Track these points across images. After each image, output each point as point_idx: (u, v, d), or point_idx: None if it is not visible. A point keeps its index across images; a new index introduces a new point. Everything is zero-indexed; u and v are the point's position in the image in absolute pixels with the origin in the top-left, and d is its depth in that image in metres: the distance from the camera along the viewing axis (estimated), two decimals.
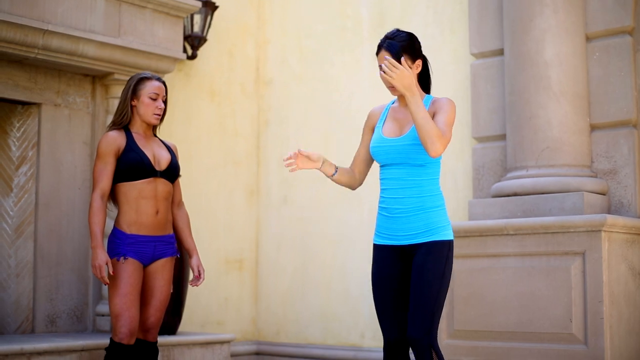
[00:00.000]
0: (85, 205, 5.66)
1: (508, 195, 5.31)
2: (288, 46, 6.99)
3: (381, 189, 3.74)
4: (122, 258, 4.30)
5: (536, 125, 5.24)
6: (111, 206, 4.51)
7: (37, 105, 5.59)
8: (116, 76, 5.70)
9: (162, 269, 4.45)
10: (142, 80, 4.45)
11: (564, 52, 5.25)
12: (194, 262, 4.55)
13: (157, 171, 4.41)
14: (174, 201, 4.58)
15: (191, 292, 6.16)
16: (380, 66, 3.63)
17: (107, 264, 4.22)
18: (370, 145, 3.77)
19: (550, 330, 4.87)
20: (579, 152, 5.25)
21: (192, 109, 6.60)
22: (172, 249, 4.49)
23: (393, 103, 3.83)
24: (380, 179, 3.75)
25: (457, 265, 5.03)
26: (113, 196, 4.43)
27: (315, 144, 6.72)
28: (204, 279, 4.54)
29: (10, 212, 5.54)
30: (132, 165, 4.34)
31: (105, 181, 4.33)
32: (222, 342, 5.74)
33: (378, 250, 3.74)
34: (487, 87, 5.72)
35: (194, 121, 6.61)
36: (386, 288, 3.68)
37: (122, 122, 4.45)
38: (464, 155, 5.87)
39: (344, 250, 6.46)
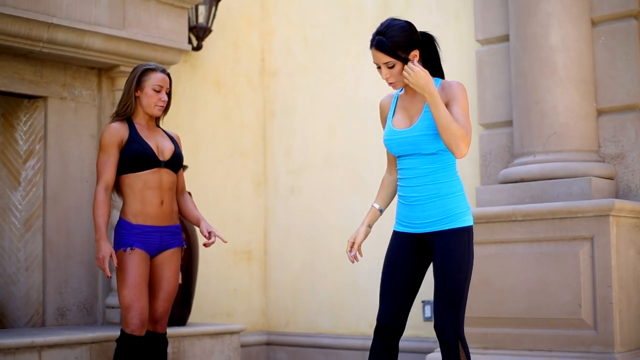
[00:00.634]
0: (92, 198, 5.67)
1: (515, 182, 5.30)
2: (293, 37, 6.98)
3: (399, 179, 3.72)
4: (128, 248, 4.31)
5: (543, 111, 5.23)
6: (116, 197, 4.51)
7: (43, 98, 5.60)
8: (122, 68, 5.69)
9: (169, 260, 4.46)
10: (146, 71, 4.45)
11: (569, 36, 5.23)
12: (203, 226, 4.46)
13: (161, 161, 4.41)
14: (177, 190, 4.58)
15: (200, 283, 6.17)
16: (378, 67, 3.60)
17: (111, 256, 4.22)
18: (383, 139, 3.72)
19: (559, 316, 4.86)
20: (586, 137, 5.24)
21: (198, 100, 6.60)
22: (178, 239, 4.49)
23: (401, 91, 3.79)
24: (398, 169, 3.72)
25: None
26: (118, 188, 4.43)
27: (321, 134, 6.72)
28: (214, 240, 4.43)
29: (19, 206, 5.55)
30: (135, 156, 4.34)
31: (108, 173, 4.33)
32: (231, 333, 5.75)
33: (396, 236, 3.71)
34: (493, 74, 5.71)
35: (200, 112, 6.62)
36: (395, 274, 3.65)
37: (126, 113, 4.45)
38: (471, 142, 5.84)
39: None
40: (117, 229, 4.38)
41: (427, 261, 3.69)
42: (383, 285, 3.68)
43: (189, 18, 6.31)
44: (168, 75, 4.50)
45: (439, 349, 5.18)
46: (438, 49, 3.72)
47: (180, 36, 5.95)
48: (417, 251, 3.66)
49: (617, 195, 5.23)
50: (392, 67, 3.58)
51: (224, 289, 6.64)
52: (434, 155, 3.60)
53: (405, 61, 3.55)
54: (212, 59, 6.71)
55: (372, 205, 3.83)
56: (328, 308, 6.60)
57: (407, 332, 6.19)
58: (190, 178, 5.97)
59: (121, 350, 4.33)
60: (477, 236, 5.15)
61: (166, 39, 5.83)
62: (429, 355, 5.25)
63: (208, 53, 6.67)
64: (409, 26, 3.62)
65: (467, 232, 3.58)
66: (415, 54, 3.59)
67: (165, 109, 4.54)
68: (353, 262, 3.76)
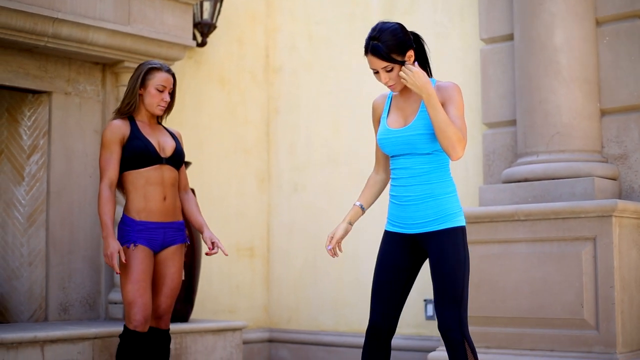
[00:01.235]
0: (96, 194, 5.68)
1: (519, 181, 5.30)
2: (297, 33, 6.98)
3: (391, 178, 3.72)
4: (132, 245, 4.32)
5: (546, 110, 5.22)
6: (119, 193, 4.52)
7: (48, 93, 5.60)
8: (126, 64, 5.70)
9: (172, 257, 4.46)
10: (151, 70, 4.45)
11: (574, 36, 5.23)
12: (206, 235, 4.46)
13: (162, 158, 4.42)
14: (180, 187, 4.58)
15: (203, 280, 6.18)
16: (375, 72, 3.59)
17: (119, 252, 4.24)
18: (377, 138, 3.72)
19: (561, 315, 4.86)
20: (590, 137, 5.24)
21: (202, 96, 6.60)
22: (182, 236, 4.50)
23: None
24: (391, 169, 3.73)
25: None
26: (120, 185, 4.44)
27: (325, 130, 6.72)
28: (217, 251, 4.42)
29: (22, 201, 5.56)
30: (137, 152, 4.35)
31: (112, 170, 4.34)
32: (234, 330, 5.76)
33: (387, 236, 3.72)
34: (497, 73, 5.70)
35: (205, 109, 6.62)
36: (386, 274, 3.65)
37: (129, 112, 4.46)
38: (474, 141, 5.85)
39: (355, 237, 6.44)
40: (121, 225, 4.39)
41: (420, 262, 3.68)
42: (375, 286, 3.69)
43: (193, 14, 6.31)
44: (173, 75, 4.50)
45: (440, 348, 5.19)
46: (426, 47, 3.72)
47: (185, 32, 5.95)
48: (409, 252, 3.66)
49: (620, 195, 5.22)
50: (391, 70, 3.58)
51: (227, 286, 6.65)
52: (428, 155, 3.60)
53: (402, 63, 3.56)
54: (216, 55, 6.72)
55: (355, 204, 3.83)
56: (330, 305, 6.60)
57: (409, 331, 6.22)
58: (193, 174, 5.97)
59: (124, 346, 4.34)
60: (479, 235, 5.18)
61: (171, 35, 5.84)
62: (431, 354, 5.25)
63: (213, 49, 6.68)
64: (400, 28, 3.60)
65: (461, 231, 3.58)
66: (410, 54, 3.59)
67: (168, 109, 4.54)
68: (333, 256, 3.77)
